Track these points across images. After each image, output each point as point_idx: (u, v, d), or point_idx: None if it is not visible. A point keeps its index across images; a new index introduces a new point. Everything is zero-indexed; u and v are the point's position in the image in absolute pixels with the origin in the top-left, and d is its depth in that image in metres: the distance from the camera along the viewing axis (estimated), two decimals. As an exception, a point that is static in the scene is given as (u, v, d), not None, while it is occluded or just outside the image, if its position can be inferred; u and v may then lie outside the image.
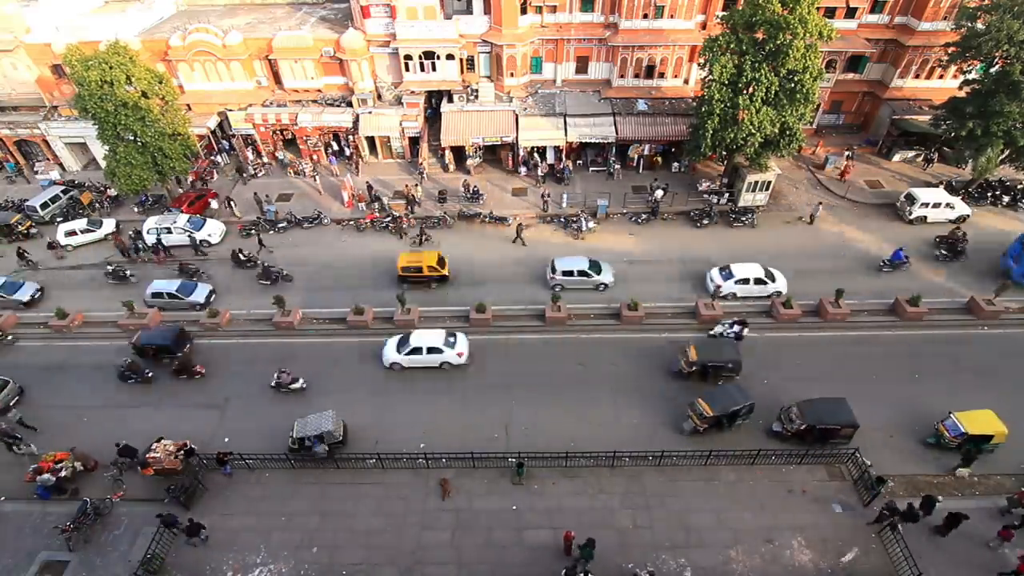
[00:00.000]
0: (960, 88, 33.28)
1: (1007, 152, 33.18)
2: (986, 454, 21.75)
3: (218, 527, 20.62)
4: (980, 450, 21.57)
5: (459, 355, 25.60)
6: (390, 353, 25.84)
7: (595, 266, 29.73)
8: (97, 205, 37.53)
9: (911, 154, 38.70)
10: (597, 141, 37.62)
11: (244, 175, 39.41)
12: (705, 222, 34.06)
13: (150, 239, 33.36)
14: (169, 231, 33.34)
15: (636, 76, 38.57)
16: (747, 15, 29.35)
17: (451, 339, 25.90)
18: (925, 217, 33.28)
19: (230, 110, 39.06)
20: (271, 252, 33.20)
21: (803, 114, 30.80)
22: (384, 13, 36.53)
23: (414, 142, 39.54)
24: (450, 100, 38.99)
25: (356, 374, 26.08)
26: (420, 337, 25.66)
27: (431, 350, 25.38)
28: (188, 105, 38.37)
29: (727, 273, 29.06)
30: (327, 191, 37.93)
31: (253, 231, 34.71)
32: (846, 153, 38.18)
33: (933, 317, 27.45)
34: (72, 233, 34.19)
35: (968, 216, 33.19)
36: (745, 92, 30.37)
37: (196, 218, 34.35)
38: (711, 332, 26.86)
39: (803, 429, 21.84)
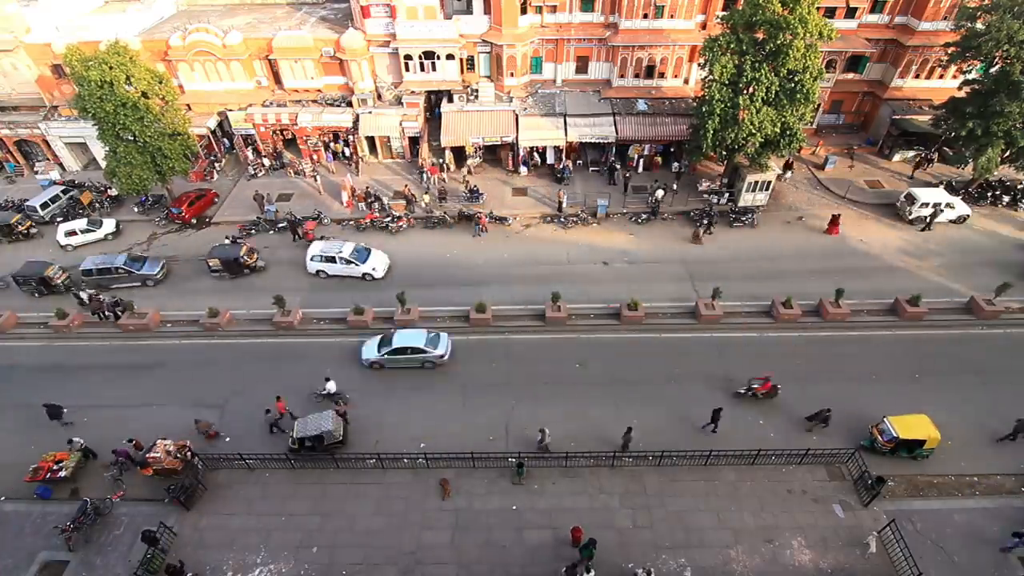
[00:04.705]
0: (960, 88, 33.22)
1: (1007, 152, 33.16)
2: (921, 459, 21.79)
3: (218, 527, 20.63)
4: (915, 455, 21.67)
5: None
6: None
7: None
8: (97, 205, 37.53)
9: (911, 154, 38.70)
10: (597, 141, 37.62)
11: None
12: (706, 222, 34.03)
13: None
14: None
15: (636, 76, 38.56)
16: (747, 15, 29.34)
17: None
18: (925, 217, 33.30)
19: (230, 110, 39.07)
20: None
21: (803, 114, 30.78)
22: (384, 13, 36.52)
23: (414, 142, 39.54)
24: (450, 100, 39.00)
25: (355, 374, 26.09)
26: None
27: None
28: (188, 105, 38.36)
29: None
30: (327, 191, 37.94)
31: (253, 231, 34.77)
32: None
33: (933, 317, 27.46)
34: (72, 233, 34.21)
35: (968, 216, 33.24)
36: (745, 92, 30.37)
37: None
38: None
39: None
